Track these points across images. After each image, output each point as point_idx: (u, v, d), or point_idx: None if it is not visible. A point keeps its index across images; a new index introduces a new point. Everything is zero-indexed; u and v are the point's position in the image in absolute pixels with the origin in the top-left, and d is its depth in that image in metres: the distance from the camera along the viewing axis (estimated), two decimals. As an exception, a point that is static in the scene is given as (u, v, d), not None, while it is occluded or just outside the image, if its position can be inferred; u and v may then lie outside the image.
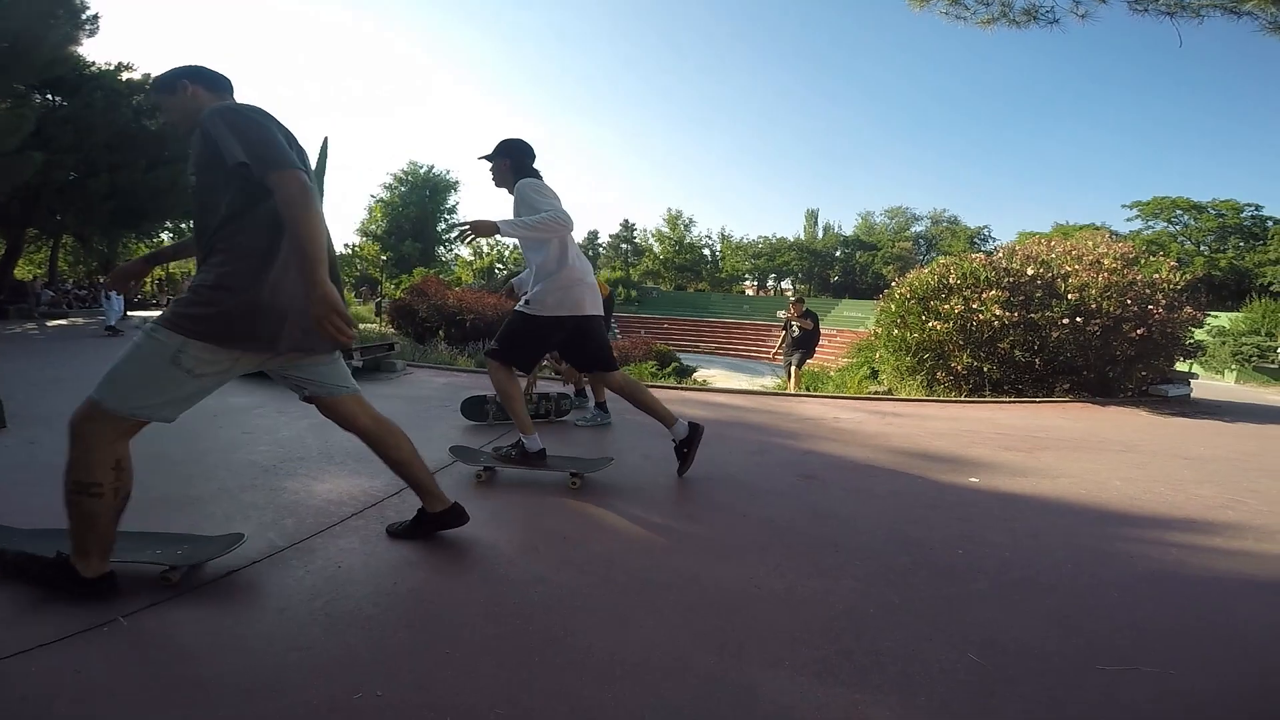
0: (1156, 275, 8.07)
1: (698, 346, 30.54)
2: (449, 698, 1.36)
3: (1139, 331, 7.45)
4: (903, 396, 6.92)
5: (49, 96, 17.14)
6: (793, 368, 8.17)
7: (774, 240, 56.61)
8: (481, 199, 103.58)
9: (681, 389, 7.27)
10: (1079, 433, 5.28)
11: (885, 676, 1.52)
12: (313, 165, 1.97)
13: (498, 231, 2.75)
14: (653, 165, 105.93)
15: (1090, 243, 8.83)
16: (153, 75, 19.59)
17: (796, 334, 8.24)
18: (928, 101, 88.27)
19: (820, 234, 58.82)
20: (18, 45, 12.90)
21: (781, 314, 8.66)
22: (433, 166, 44.70)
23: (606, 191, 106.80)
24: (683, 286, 55.00)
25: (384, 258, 40.99)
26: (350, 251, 44.83)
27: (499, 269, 53.09)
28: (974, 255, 8.84)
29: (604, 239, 62.36)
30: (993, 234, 51.43)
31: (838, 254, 55.34)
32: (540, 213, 2.76)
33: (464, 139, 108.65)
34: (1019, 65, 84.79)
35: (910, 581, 2.11)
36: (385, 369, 6.62)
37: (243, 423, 4.09)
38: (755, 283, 58.39)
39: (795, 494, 3.08)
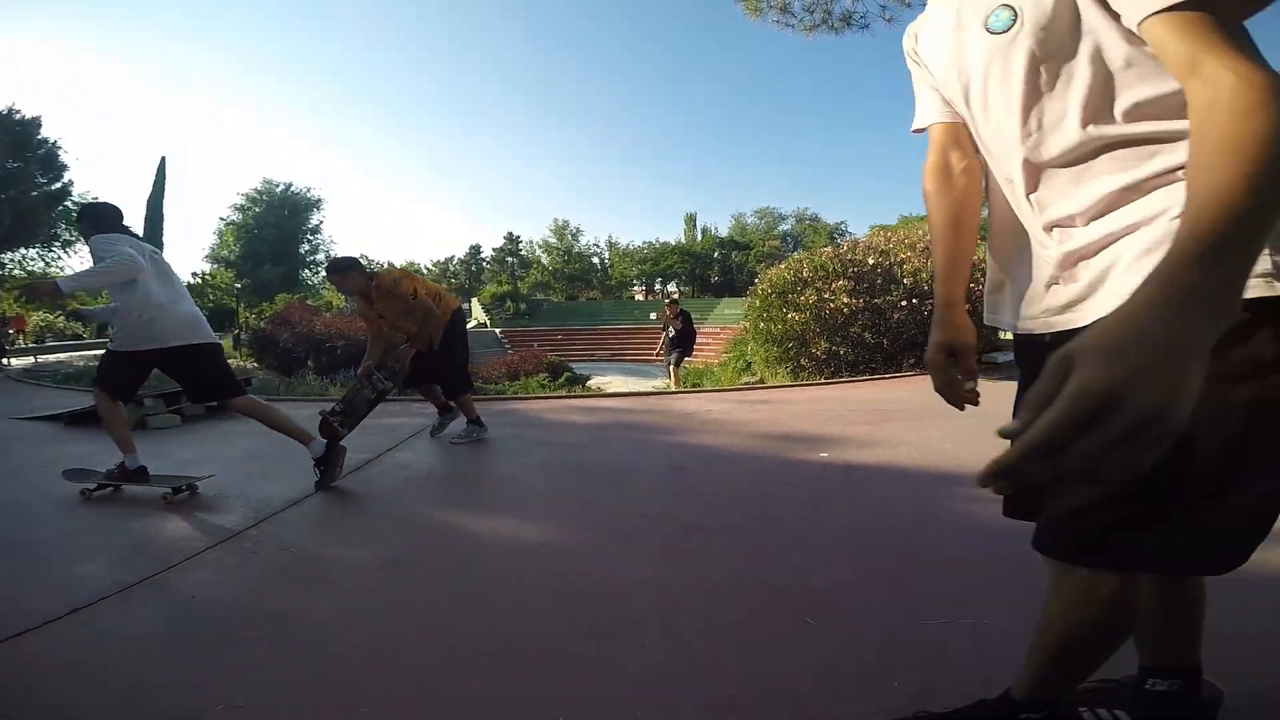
0: (976, 258, 9.25)
1: (593, 355, 30.55)
2: (313, 704, 1.40)
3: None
4: (770, 384, 7.46)
5: None
6: (672, 367, 8.52)
7: (658, 245, 58.13)
8: (348, 216, 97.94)
9: (568, 398, 7.36)
10: (921, 403, 5.92)
11: (735, 646, 1.67)
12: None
13: (59, 291, 2.89)
14: (537, 176, 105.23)
15: (920, 231, 9.94)
16: None
17: (673, 334, 8.63)
18: (788, 105, 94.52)
19: (699, 236, 61.12)
20: None
21: (654, 315, 9.02)
22: (290, 184, 41.48)
23: (487, 205, 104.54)
24: (574, 296, 55.01)
25: (239, 285, 37.59)
26: (200, 280, 40.71)
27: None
28: (823, 250, 9.65)
29: (488, 253, 61.15)
30: (849, 228, 55.98)
31: (716, 255, 57.80)
32: (104, 262, 2.91)
33: (329, 155, 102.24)
34: (865, 71, 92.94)
35: (762, 555, 2.35)
36: (245, 404, 6.15)
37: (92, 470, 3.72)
38: (644, 287, 59.66)
39: (665, 484, 3.30)
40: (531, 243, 59.93)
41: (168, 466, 3.66)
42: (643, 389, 9.93)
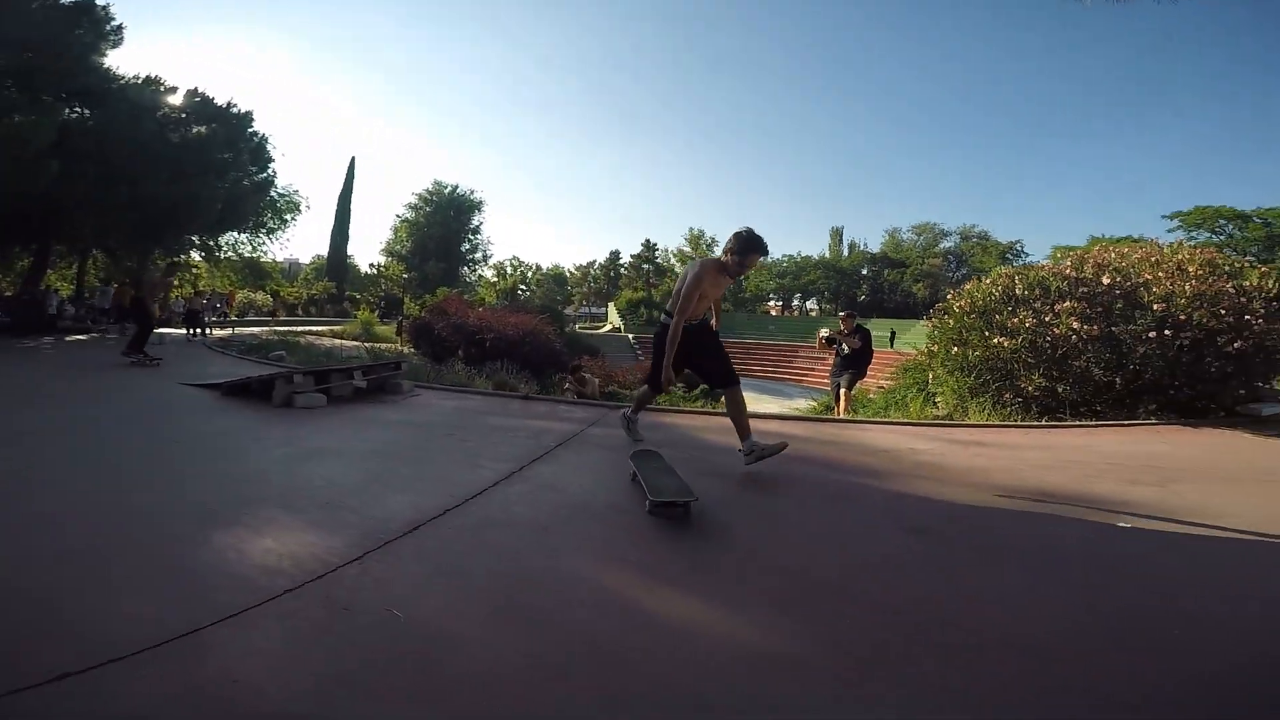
0: (1247, 283, 7.18)
1: None
2: None
3: (1236, 345, 6.55)
4: (976, 422, 6.08)
5: (77, 109, 16.86)
6: (842, 390, 7.32)
7: (799, 259, 55.70)
8: (504, 219, 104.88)
9: (723, 414, 6.41)
10: (1197, 461, 4.41)
11: None
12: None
13: None
14: (676, 186, 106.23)
15: (1168, 249, 7.99)
16: (183, 89, 19.72)
17: (845, 352, 7.43)
18: (952, 117, 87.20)
19: (846, 252, 57.82)
20: (41, 54, 13.01)
21: (824, 331, 7.77)
22: (456, 186, 44.55)
23: (629, 211, 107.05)
24: (706, 307, 54.14)
25: (405, 276, 40.93)
26: (375, 271, 44.96)
27: (522, 290, 52.97)
28: (1041, 265, 8.00)
29: (626, 259, 62.08)
30: (1025, 249, 49.92)
31: (865, 272, 54.24)
32: None
33: (489, 158, 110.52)
34: (1043, 75, 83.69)
35: (1156, 703, 1.34)
36: (390, 390, 5.96)
37: (220, 449, 3.45)
38: (780, 302, 57.41)
39: (914, 559, 2.28)
40: (667, 251, 59.94)
41: (289, 460, 3.28)
42: (805, 412, 8.84)
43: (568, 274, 61.83)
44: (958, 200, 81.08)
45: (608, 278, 62.14)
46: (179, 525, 2.24)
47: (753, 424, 3.64)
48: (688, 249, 57.02)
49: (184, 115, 19.66)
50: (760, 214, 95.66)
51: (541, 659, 1.49)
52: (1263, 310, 6.77)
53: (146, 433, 3.86)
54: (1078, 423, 6.16)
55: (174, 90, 19.38)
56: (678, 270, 57.12)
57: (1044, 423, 6.08)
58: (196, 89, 20.07)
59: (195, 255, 25.75)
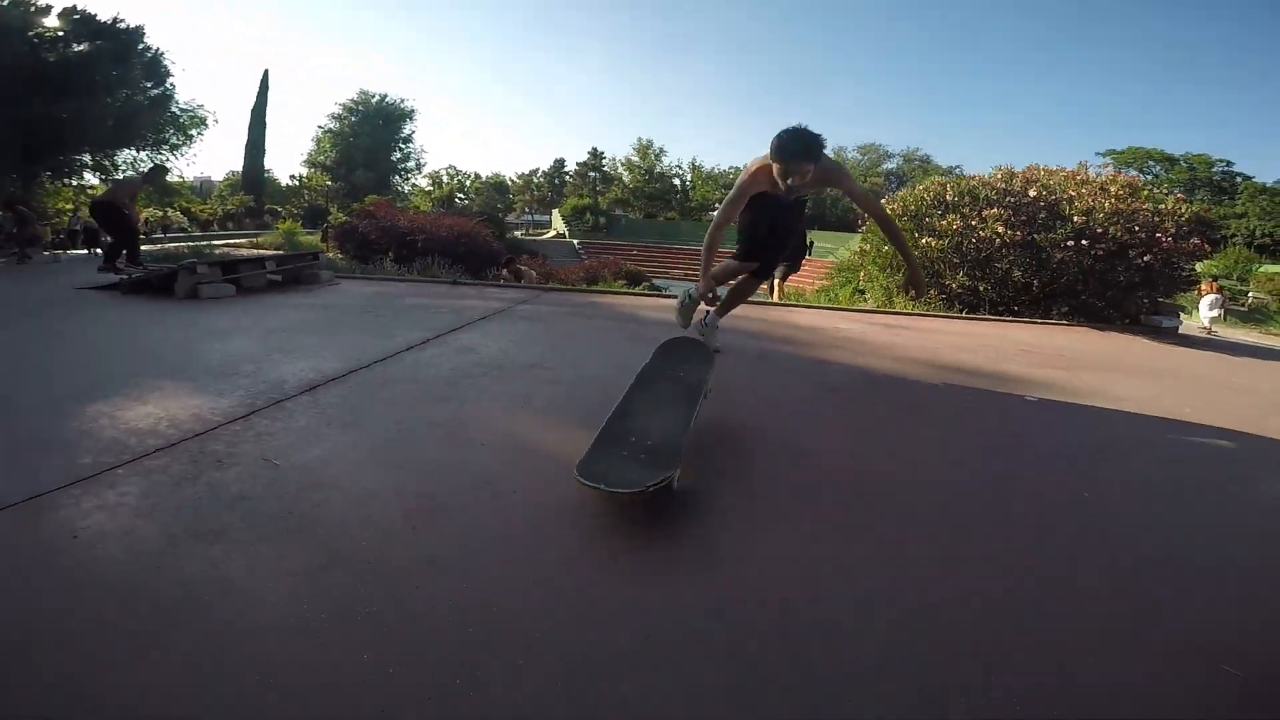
0: (1162, 206, 7.57)
1: (667, 272, 29.88)
2: None
3: (1145, 258, 6.95)
4: (900, 310, 6.32)
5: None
6: (776, 279, 7.44)
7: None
8: (438, 127, 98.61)
9: (662, 296, 6.49)
10: (1101, 355, 4.73)
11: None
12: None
13: None
14: (624, 95, 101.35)
15: (1092, 172, 8.30)
16: (60, 7, 17.63)
17: (784, 244, 7.51)
18: (902, 42, 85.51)
19: (793, 166, 57.36)
20: None
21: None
22: (385, 95, 41.51)
23: (573, 120, 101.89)
24: (653, 215, 53.40)
25: (328, 183, 38.44)
26: (298, 183, 42.01)
27: (460, 198, 50.51)
28: (973, 175, 8.17)
29: (571, 167, 59.68)
30: (965, 174, 50.71)
31: (810, 187, 54.29)
32: None
33: (421, 68, 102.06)
34: (999, 10, 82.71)
35: (1065, 558, 1.42)
36: (307, 280, 5.58)
37: (113, 335, 3.19)
38: (728, 210, 57.12)
39: (824, 411, 2.34)
40: (614, 160, 57.96)
41: (190, 336, 3.03)
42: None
43: (509, 182, 59.13)
44: (904, 125, 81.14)
45: (552, 185, 59.68)
46: (52, 399, 2.04)
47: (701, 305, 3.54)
48: (636, 159, 55.25)
49: (62, 34, 18.20)
50: (709, 126, 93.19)
51: (420, 497, 1.44)
52: (1173, 230, 7.15)
53: (31, 327, 3.49)
54: (995, 318, 6.48)
55: (47, 10, 17.90)
56: (625, 179, 55.54)
57: (961, 316, 6.36)
58: (75, 7, 18.39)
59: (90, 176, 23.43)
